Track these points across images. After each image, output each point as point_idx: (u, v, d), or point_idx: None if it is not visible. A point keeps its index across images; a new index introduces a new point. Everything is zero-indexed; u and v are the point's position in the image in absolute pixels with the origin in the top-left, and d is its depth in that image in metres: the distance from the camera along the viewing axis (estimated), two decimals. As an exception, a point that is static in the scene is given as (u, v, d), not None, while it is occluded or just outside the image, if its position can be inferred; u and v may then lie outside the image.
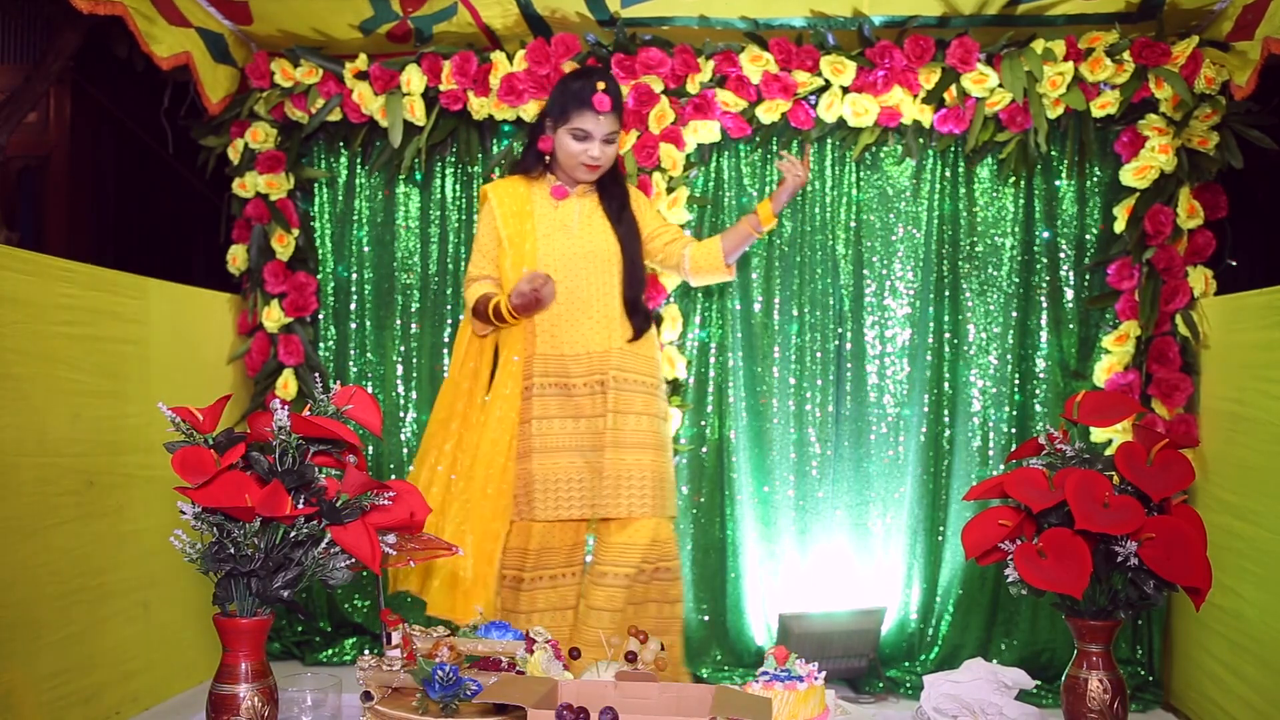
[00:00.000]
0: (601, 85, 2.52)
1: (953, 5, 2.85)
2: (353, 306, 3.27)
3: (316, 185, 3.28)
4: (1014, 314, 3.04)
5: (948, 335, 3.06)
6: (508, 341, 2.61)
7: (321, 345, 3.26)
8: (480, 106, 3.08)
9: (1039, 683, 2.66)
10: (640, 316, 2.62)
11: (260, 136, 3.16)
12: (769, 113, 2.98)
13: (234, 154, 3.20)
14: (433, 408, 2.69)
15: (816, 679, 1.84)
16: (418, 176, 3.24)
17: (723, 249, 2.68)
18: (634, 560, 2.49)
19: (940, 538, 3.05)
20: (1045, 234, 3.03)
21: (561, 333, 2.58)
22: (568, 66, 3.00)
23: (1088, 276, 3.01)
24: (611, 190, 2.66)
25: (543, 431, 2.56)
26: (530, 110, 3.04)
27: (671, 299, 3.06)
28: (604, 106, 2.50)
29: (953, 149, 3.04)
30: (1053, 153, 3.00)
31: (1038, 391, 3.04)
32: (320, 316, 3.27)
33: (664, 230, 2.73)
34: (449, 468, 2.59)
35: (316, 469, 1.71)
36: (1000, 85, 2.89)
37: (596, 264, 2.59)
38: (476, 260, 2.66)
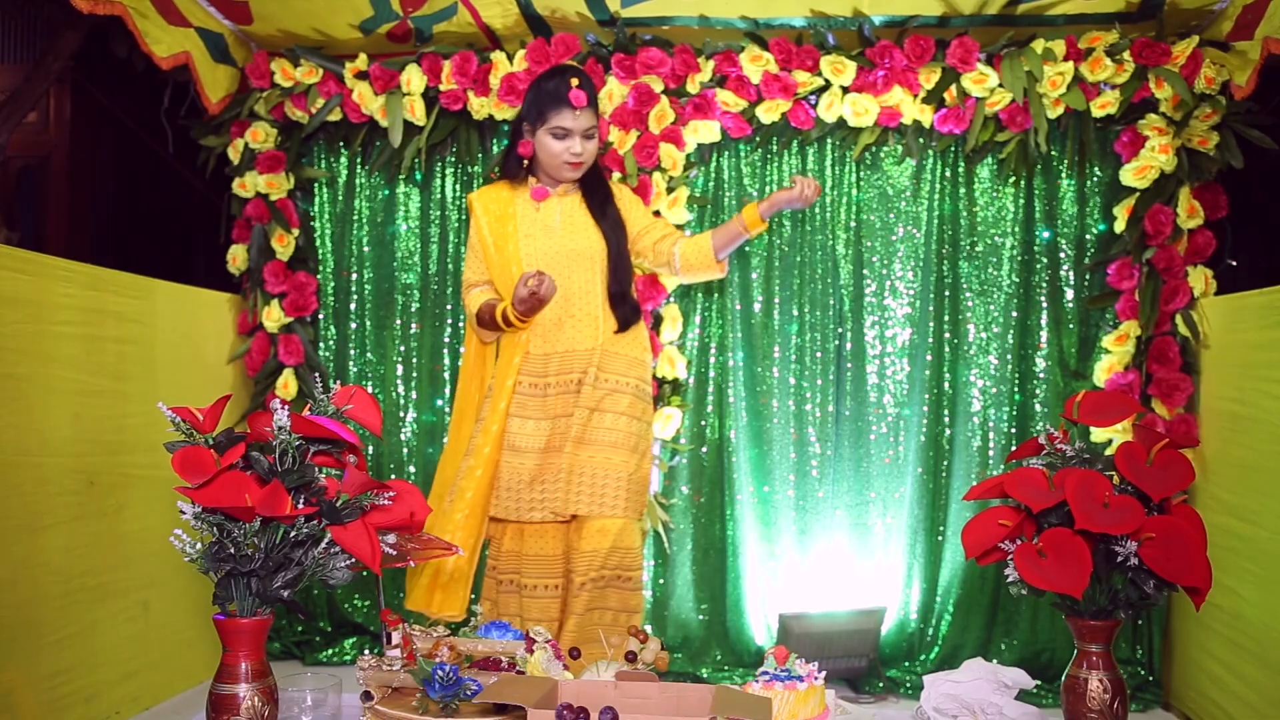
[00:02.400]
0: (575, 81, 2.53)
1: (953, 5, 2.85)
2: (353, 306, 3.27)
3: (316, 185, 3.28)
4: (1014, 314, 3.03)
5: (948, 335, 3.06)
6: (507, 344, 2.63)
7: (321, 345, 3.26)
8: (480, 106, 3.08)
9: (1039, 683, 2.66)
10: (627, 308, 2.62)
11: (260, 136, 3.16)
12: (769, 113, 2.98)
13: (234, 154, 3.20)
14: (449, 432, 2.70)
15: (816, 679, 1.85)
16: (418, 176, 3.24)
17: (713, 245, 2.67)
18: (595, 565, 2.48)
19: (940, 538, 3.05)
20: (1045, 234, 3.03)
21: (549, 332, 2.59)
22: (568, 66, 3.00)
23: (1088, 276, 3.00)
24: (593, 187, 2.66)
25: (515, 430, 2.57)
26: (530, 110, 3.03)
27: (671, 299, 3.06)
28: (580, 102, 2.51)
29: (953, 149, 3.04)
30: (1053, 153, 3.00)
31: (1038, 391, 3.03)
32: (320, 316, 3.27)
33: (652, 227, 2.72)
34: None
35: (316, 469, 1.71)
36: (1000, 85, 2.89)
37: (581, 261, 2.60)
38: (471, 264, 2.68)
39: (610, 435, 2.52)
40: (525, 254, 2.59)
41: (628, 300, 2.63)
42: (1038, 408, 3.03)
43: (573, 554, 2.51)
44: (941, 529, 3.05)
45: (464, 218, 3.23)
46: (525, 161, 2.64)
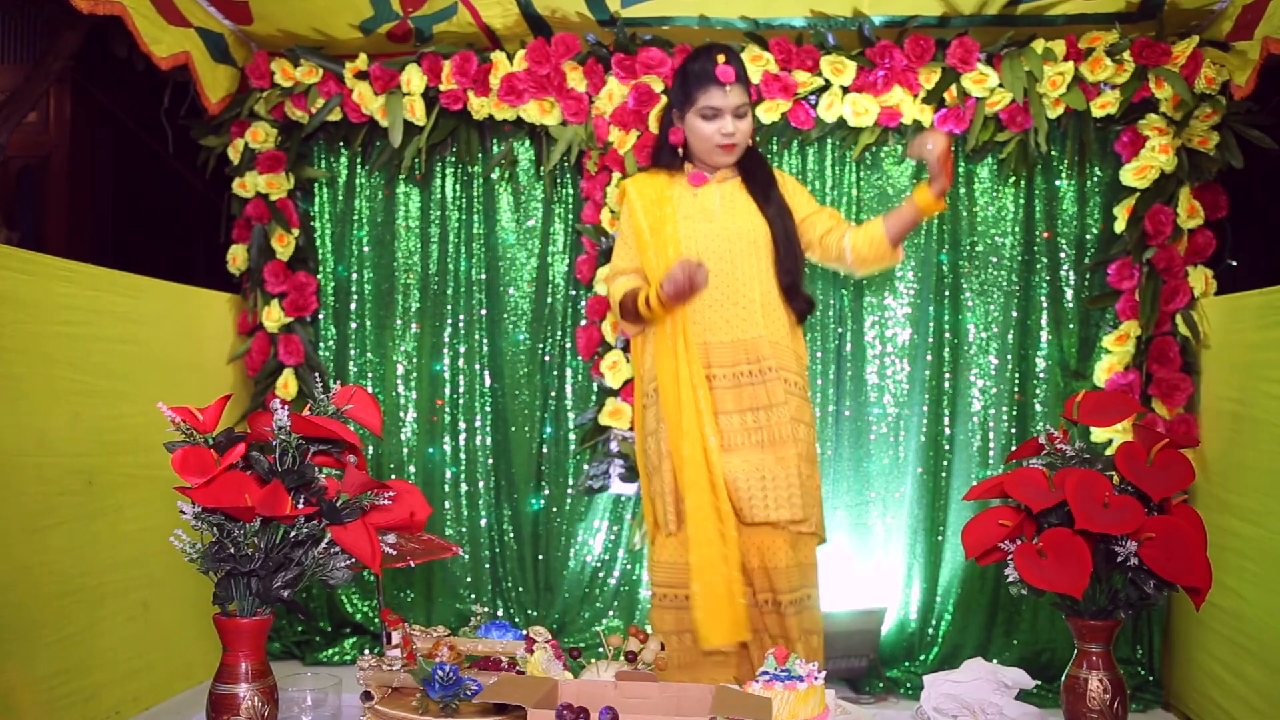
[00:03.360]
0: (722, 58, 2.37)
1: (953, 5, 2.85)
2: (353, 306, 3.27)
3: (316, 185, 3.28)
4: (1014, 314, 3.03)
5: (948, 335, 3.06)
6: (663, 334, 2.40)
7: (321, 345, 3.26)
8: (480, 106, 3.08)
9: (1039, 683, 2.66)
10: (801, 300, 2.46)
11: (260, 136, 3.16)
12: (769, 112, 2.98)
13: (234, 154, 3.20)
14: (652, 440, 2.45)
15: (816, 679, 1.84)
16: (417, 176, 3.24)
17: (887, 232, 2.42)
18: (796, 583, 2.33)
19: (940, 538, 3.05)
20: (1045, 234, 3.03)
21: (711, 321, 2.39)
22: (568, 67, 3.00)
23: (1088, 276, 3.00)
24: (753, 171, 2.49)
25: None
26: (530, 110, 3.03)
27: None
28: (728, 78, 2.35)
29: (953, 149, 3.04)
30: (1053, 153, 3.00)
31: (1038, 391, 3.03)
32: (320, 316, 3.27)
33: (818, 216, 2.51)
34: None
35: (316, 469, 1.71)
36: (1000, 85, 2.89)
37: (744, 247, 2.41)
38: (621, 252, 2.50)
39: (790, 435, 2.36)
40: (685, 236, 2.40)
41: (800, 291, 2.45)
42: (1038, 408, 3.03)
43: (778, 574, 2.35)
44: (941, 529, 3.05)
45: (464, 217, 3.23)
46: (680, 151, 2.48)
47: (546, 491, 3.22)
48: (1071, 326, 3.01)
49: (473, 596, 3.22)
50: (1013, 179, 3.01)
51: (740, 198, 2.46)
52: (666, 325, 2.39)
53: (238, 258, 3.23)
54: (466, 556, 3.20)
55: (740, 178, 2.48)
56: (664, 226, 2.42)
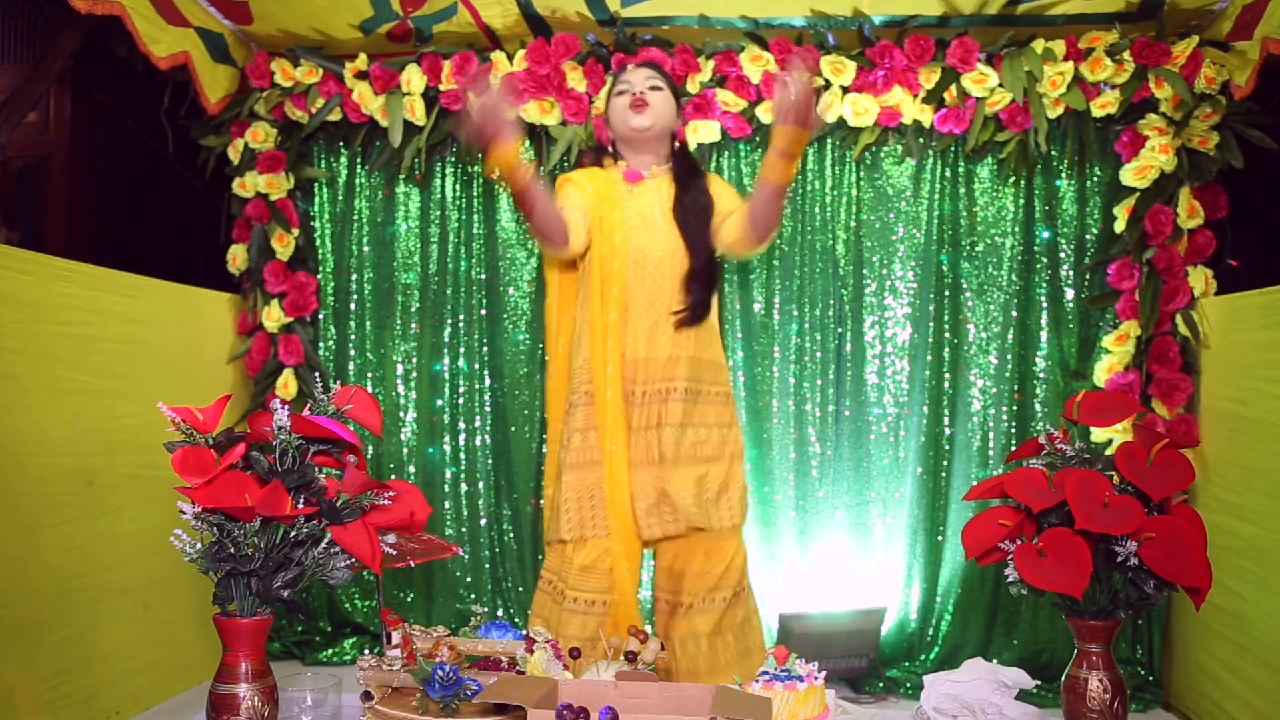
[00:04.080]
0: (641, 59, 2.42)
1: (953, 5, 2.85)
2: (353, 306, 3.27)
3: (316, 185, 3.28)
4: (1014, 314, 3.03)
5: (948, 335, 3.06)
6: (595, 347, 2.38)
7: (321, 345, 3.26)
8: (480, 106, 3.07)
9: (1039, 683, 2.66)
10: (700, 292, 2.37)
11: (260, 136, 3.16)
12: (769, 112, 2.98)
13: (234, 154, 3.20)
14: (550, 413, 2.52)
15: (816, 679, 1.84)
16: (417, 176, 3.24)
17: (750, 221, 2.33)
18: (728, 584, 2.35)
19: (940, 538, 3.05)
20: (1045, 234, 3.03)
21: (637, 336, 2.36)
22: (568, 66, 3.00)
23: (1088, 276, 3.00)
24: (685, 183, 2.42)
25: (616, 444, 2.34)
26: (531, 110, 3.03)
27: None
28: (633, 62, 2.40)
29: (953, 149, 3.04)
30: (1053, 153, 3.00)
31: (1038, 391, 3.03)
32: (320, 316, 3.27)
33: (730, 211, 2.42)
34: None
35: (316, 469, 1.71)
36: (1000, 85, 2.89)
37: (669, 263, 2.37)
38: (570, 200, 2.39)
39: (705, 449, 2.36)
40: (631, 247, 2.35)
41: (701, 283, 2.37)
42: (1038, 408, 3.03)
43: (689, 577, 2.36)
44: (941, 529, 3.05)
45: (464, 217, 3.23)
46: (610, 148, 2.48)
47: (547, 491, 3.22)
48: (1071, 326, 3.01)
49: (473, 596, 3.22)
50: (1013, 179, 3.01)
51: (669, 207, 2.40)
52: (598, 333, 2.36)
53: (238, 258, 3.23)
54: (466, 556, 3.20)
55: (674, 185, 2.42)
56: (613, 233, 2.36)
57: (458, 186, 3.23)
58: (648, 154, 2.45)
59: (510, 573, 3.23)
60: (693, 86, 2.99)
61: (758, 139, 3.06)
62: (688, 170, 2.47)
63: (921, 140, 3.02)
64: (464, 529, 3.22)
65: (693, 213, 2.40)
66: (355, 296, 3.27)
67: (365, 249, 3.26)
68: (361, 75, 3.10)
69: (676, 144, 2.49)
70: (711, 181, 2.50)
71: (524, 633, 2.07)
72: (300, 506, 1.64)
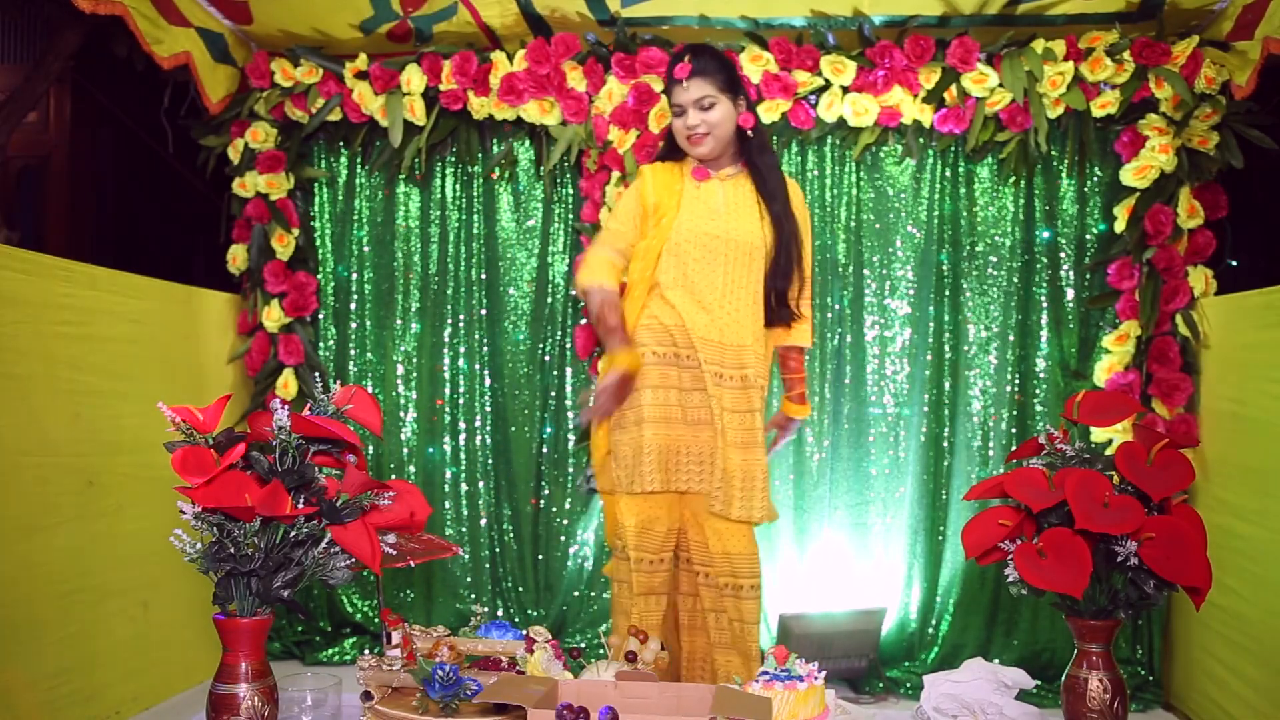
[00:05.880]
0: (686, 56, 2.39)
1: (953, 5, 2.85)
2: (353, 306, 3.27)
3: (316, 185, 3.28)
4: (1014, 314, 3.03)
5: (948, 335, 3.06)
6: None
7: (321, 345, 3.26)
8: (480, 106, 3.08)
9: (1039, 683, 2.66)
10: (786, 312, 2.45)
11: (260, 136, 3.16)
12: (769, 112, 2.98)
13: (234, 154, 3.20)
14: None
15: (816, 679, 1.84)
16: (417, 175, 3.24)
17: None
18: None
19: (940, 538, 3.05)
20: (1045, 234, 3.03)
21: (688, 318, 2.37)
22: (568, 66, 3.00)
23: (1088, 276, 3.00)
24: (763, 173, 2.44)
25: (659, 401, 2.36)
26: (530, 110, 3.03)
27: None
28: (684, 73, 2.35)
29: (953, 149, 3.04)
30: (1053, 153, 3.00)
31: (1038, 391, 3.03)
32: (320, 316, 3.27)
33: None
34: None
35: (316, 469, 1.71)
36: (1000, 85, 2.89)
37: (738, 252, 2.40)
38: (617, 225, 2.46)
39: (754, 435, 2.37)
40: (680, 227, 2.39)
41: (786, 304, 2.45)
42: (1038, 408, 3.03)
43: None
44: (941, 529, 3.05)
45: (464, 217, 3.23)
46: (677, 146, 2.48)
47: (546, 491, 3.22)
48: (1071, 326, 3.01)
49: (473, 596, 3.22)
50: (1013, 179, 3.01)
51: (745, 200, 2.43)
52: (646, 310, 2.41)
53: (238, 258, 3.23)
54: (466, 556, 3.20)
55: (749, 177, 2.45)
56: (663, 215, 2.41)
57: (458, 186, 3.23)
58: (713, 158, 2.45)
59: (510, 573, 3.23)
60: (693, 86, 2.99)
61: (774, 138, 3.04)
62: (768, 167, 2.45)
63: (921, 140, 3.02)
64: (464, 529, 3.22)
65: (778, 201, 2.42)
66: (355, 296, 3.27)
67: (365, 249, 3.26)
68: (361, 75, 3.10)
69: (749, 133, 2.44)
70: (795, 197, 2.49)
71: (524, 633, 2.07)
72: (300, 506, 1.64)
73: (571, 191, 3.18)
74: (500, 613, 3.19)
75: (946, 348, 3.06)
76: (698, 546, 2.39)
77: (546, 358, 3.22)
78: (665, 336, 2.37)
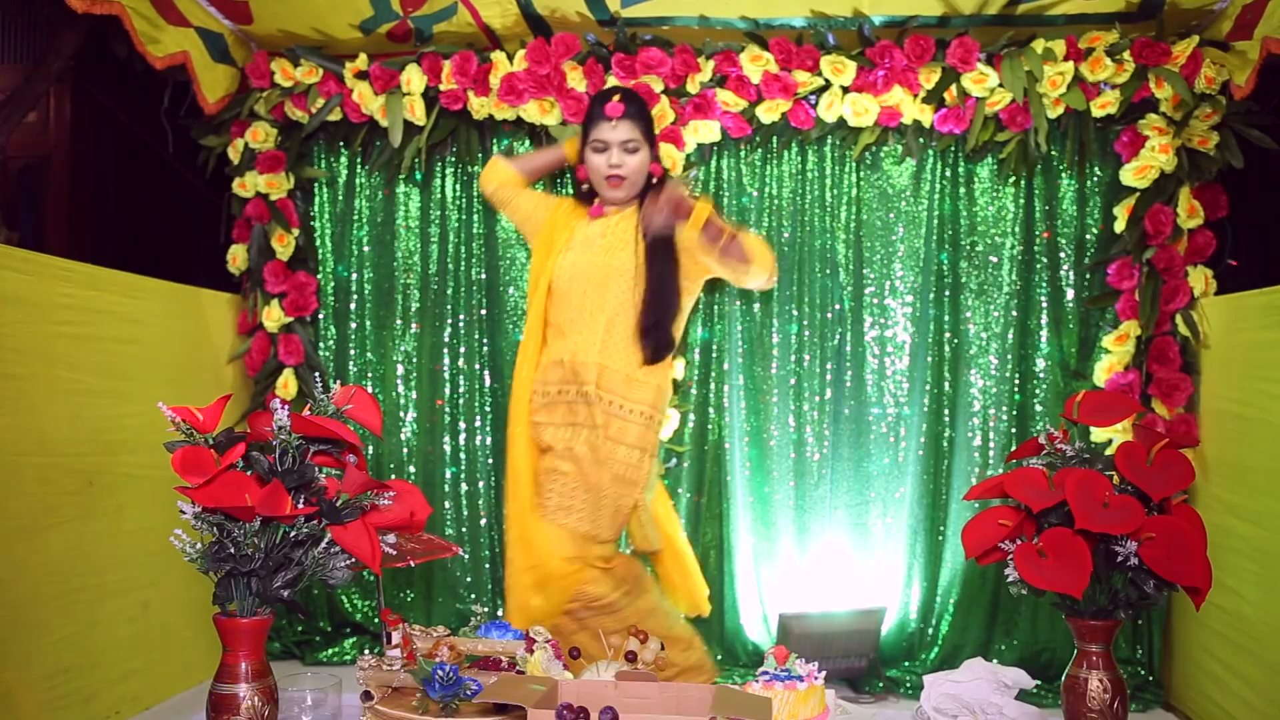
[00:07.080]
0: (616, 96, 2.51)
1: (953, 5, 2.85)
2: (353, 306, 3.27)
3: (316, 185, 3.28)
4: (1014, 314, 3.03)
5: (948, 335, 3.06)
6: (523, 349, 2.69)
7: (321, 345, 3.26)
8: (480, 106, 3.08)
9: (1039, 683, 2.66)
10: (659, 342, 2.56)
11: (260, 136, 3.16)
12: (769, 112, 2.98)
13: (234, 154, 3.20)
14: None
15: (816, 679, 1.85)
16: (418, 176, 3.24)
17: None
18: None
19: (940, 538, 3.05)
20: (1045, 234, 3.03)
21: (560, 340, 2.60)
22: (568, 66, 3.00)
23: (1088, 276, 3.00)
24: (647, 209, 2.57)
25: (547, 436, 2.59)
26: (530, 110, 3.03)
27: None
28: (616, 113, 2.48)
29: (953, 149, 3.04)
30: (1053, 153, 3.00)
31: (1038, 391, 3.03)
32: (320, 316, 3.27)
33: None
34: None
35: (316, 469, 1.71)
36: (1000, 85, 2.89)
37: (613, 279, 2.56)
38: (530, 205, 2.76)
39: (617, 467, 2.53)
40: (561, 265, 2.60)
41: (658, 333, 2.56)
42: (1038, 408, 3.03)
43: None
44: (941, 529, 3.05)
45: (464, 217, 3.23)
46: (585, 185, 2.67)
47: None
48: (1071, 326, 3.01)
49: (473, 596, 3.22)
50: (1013, 179, 3.01)
51: (626, 232, 2.58)
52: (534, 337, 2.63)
53: (238, 258, 3.23)
54: (466, 556, 3.20)
55: (638, 209, 2.58)
56: (546, 257, 2.62)
57: (458, 186, 3.23)
58: (621, 198, 2.63)
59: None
60: (693, 86, 2.99)
61: (758, 139, 3.05)
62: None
63: (921, 140, 3.02)
64: (464, 529, 3.22)
65: (654, 240, 2.55)
66: (355, 296, 3.27)
67: (365, 249, 3.26)
68: (361, 75, 3.10)
69: (654, 180, 2.64)
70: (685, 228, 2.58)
71: (524, 633, 2.07)
72: (300, 506, 1.64)
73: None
74: (500, 613, 3.19)
75: (946, 348, 3.06)
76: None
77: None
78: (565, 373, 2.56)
